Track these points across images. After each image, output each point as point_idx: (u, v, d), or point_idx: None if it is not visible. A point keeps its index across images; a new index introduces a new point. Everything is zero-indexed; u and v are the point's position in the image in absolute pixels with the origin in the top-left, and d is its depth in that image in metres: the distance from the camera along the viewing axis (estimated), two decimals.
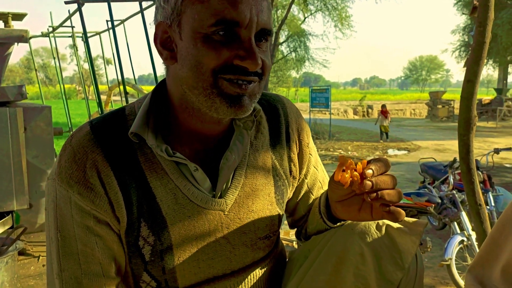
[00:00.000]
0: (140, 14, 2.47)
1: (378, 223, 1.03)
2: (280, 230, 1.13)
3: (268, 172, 1.05)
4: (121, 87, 2.70)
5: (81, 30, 3.25)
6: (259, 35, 0.89)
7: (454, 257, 3.80)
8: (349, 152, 12.04)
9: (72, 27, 3.00)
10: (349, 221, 1.05)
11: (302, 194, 1.16)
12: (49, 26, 3.20)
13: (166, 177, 0.93)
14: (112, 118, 0.96)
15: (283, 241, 1.20)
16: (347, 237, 1.01)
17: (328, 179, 1.15)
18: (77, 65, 3.65)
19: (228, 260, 1.01)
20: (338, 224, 1.07)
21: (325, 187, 1.19)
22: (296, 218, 1.20)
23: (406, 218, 1.04)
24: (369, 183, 0.83)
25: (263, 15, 0.87)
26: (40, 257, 2.07)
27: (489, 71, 26.83)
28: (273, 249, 1.11)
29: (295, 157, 1.11)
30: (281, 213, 1.09)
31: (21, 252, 2.05)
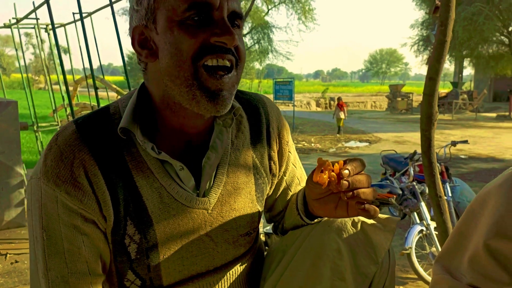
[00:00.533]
0: (106, 8, 2.46)
1: (353, 220, 1.07)
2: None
3: (249, 170, 1.07)
4: (90, 80, 2.67)
5: (44, 21, 3.19)
6: (231, 18, 0.91)
7: (414, 246, 3.94)
8: (312, 144, 12.22)
9: (37, 19, 2.92)
10: (326, 218, 1.08)
11: (280, 190, 1.19)
12: (13, 18, 3.11)
13: (151, 176, 0.94)
14: (97, 117, 0.96)
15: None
16: (324, 233, 1.04)
17: (306, 176, 1.19)
18: (40, 56, 3.55)
19: (211, 257, 1.03)
20: (315, 220, 1.10)
21: (303, 184, 1.22)
22: (274, 214, 1.22)
23: (380, 215, 1.08)
24: (345, 182, 0.87)
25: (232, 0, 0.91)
26: (8, 255, 2.02)
27: (445, 65, 27.74)
28: (253, 245, 1.14)
29: (275, 155, 1.14)
30: (261, 210, 1.12)
31: None
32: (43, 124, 3.54)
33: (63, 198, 0.88)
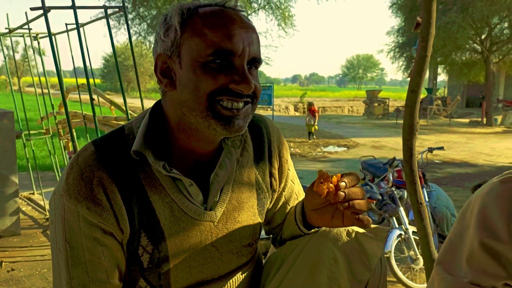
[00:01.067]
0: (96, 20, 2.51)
1: (348, 230, 1.16)
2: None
3: (252, 186, 1.16)
4: (83, 90, 2.72)
5: (35, 31, 3.21)
6: (250, 63, 1.00)
7: (393, 250, 4.05)
8: (292, 149, 12.34)
9: (29, 29, 2.94)
10: (323, 228, 1.17)
11: (280, 205, 1.28)
12: (6, 28, 3.12)
13: (163, 192, 1.02)
14: (113, 138, 1.04)
15: None
16: (321, 243, 1.13)
17: (303, 191, 1.28)
18: (41, 66, 3.57)
19: (216, 266, 1.11)
20: (312, 230, 1.19)
21: (300, 198, 1.31)
22: (273, 226, 1.31)
23: (372, 225, 1.17)
24: (342, 193, 0.96)
25: (253, 46, 1.00)
26: (3, 263, 2.04)
27: None
28: (254, 254, 1.22)
29: (275, 172, 1.23)
30: (262, 223, 1.21)
31: None
32: (33, 132, 3.54)
33: (84, 213, 0.95)
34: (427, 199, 4.92)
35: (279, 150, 1.24)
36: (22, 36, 3.27)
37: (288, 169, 1.27)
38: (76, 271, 0.97)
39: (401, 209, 4.48)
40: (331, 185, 0.98)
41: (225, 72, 0.96)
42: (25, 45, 3.24)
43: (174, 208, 1.03)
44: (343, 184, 0.97)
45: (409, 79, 2.49)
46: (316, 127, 14.79)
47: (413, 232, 4.14)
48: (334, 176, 0.99)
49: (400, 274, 4.01)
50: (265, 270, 1.23)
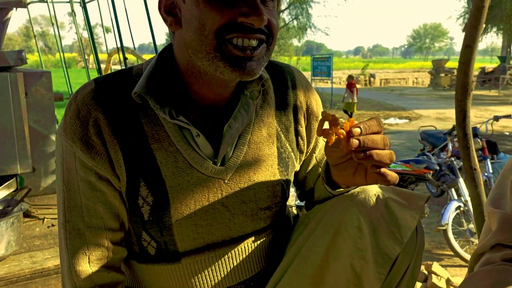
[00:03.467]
0: None
1: (378, 196, 1.01)
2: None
3: (272, 143, 1.04)
4: (121, 54, 2.73)
5: None
6: None
7: (450, 223, 3.88)
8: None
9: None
10: (350, 191, 1.03)
11: (310, 167, 1.14)
12: None
13: (167, 140, 0.93)
14: (117, 77, 0.96)
15: None
16: (345, 208, 0.99)
17: None
18: (76, 33, 3.64)
19: (227, 227, 1.01)
20: (338, 191, 1.03)
21: None
22: (305, 190, 1.18)
23: (408, 191, 1.04)
24: (355, 141, 0.80)
25: None
26: (45, 219, 2.13)
27: (493, 38, 26.47)
28: (276, 220, 1.09)
29: (302, 130, 1.09)
30: (285, 185, 1.07)
31: (26, 214, 2.09)
32: None
33: (79, 155, 0.91)
34: (491, 171, 4.63)
35: (307, 105, 1.09)
36: (69, 1, 3.33)
37: None
38: (71, 215, 0.94)
39: (461, 180, 4.26)
40: (341, 130, 0.81)
41: (233, 3, 0.83)
42: (72, 11, 3.29)
43: (178, 158, 0.94)
44: (357, 130, 0.80)
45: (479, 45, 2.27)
46: (355, 106, 12.92)
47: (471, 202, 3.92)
48: (346, 121, 0.83)
49: (457, 247, 3.84)
50: (291, 235, 1.12)
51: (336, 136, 0.81)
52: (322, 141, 1.13)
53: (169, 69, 0.95)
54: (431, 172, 4.46)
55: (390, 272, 0.98)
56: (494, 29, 21.34)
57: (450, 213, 3.95)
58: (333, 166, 0.94)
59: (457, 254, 3.83)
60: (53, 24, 3.52)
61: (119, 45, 2.83)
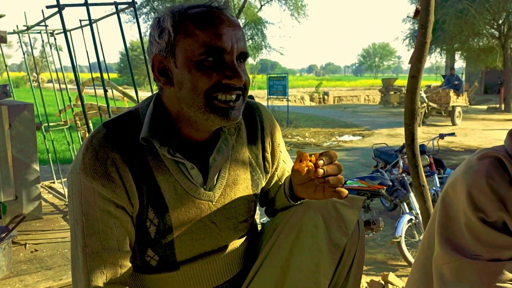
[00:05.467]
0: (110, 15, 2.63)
1: (328, 201, 1.30)
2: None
3: (246, 168, 1.29)
4: (96, 82, 2.86)
5: (52, 28, 3.36)
6: (239, 57, 1.11)
7: (403, 235, 4.14)
8: (307, 139, 12.40)
9: (46, 26, 3.09)
10: (307, 200, 1.31)
11: (273, 183, 1.41)
12: (24, 25, 3.28)
13: (168, 173, 1.15)
14: (122, 122, 1.16)
15: None
16: (304, 212, 1.28)
17: None
18: (58, 62, 3.73)
19: (215, 239, 1.25)
20: (298, 202, 1.33)
21: None
22: (267, 200, 1.46)
23: (350, 195, 1.30)
24: (321, 170, 1.07)
25: (241, 42, 1.11)
26: (27, 245, 2.20)
27: (437, 58, 27.82)
28: (250, 229, 1.36)
29: (268, 155, 1.35)
30: (256, 201, 1.34)
31: (11, 241, 2.17)
32: (52, 124, 3.72)
33: (99, 189, 1.08)
34: (438, 185, 4.97)
35: (271, 135, 1.35)
36: (39, 32, 3.43)
37: (280, 151, 1.39)
38: (91, 240, 1.10)
39: (412, 194, 4.55)
40: (310, 163, 1.09)
41: (217, 68, 1.07)
42: (43, 41, 3.40)
43: (177, 187, 1.16)
44: (321, 162, 1.08)
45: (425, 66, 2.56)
46: None
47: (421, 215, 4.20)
48: (313, 155, 1.11)
49: (410, 258, 4.10)
50: (260, 239, 1.38)
51: (307, 168, 1.09)
52: (282, 162, 1.41)
53: (163, 116, 1.16)
54: (385, 187, 4.74)
55: (342, 259, 1.28)
56: (438, 49, 22.53)
57: (403, 226, 4.21)
58: (298, 185, 1.22)
59: (410, 265, 4.07)
60: (28, 55, 3.59)
61: (90, 74, 2.96)
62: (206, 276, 1.26)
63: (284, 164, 1.43)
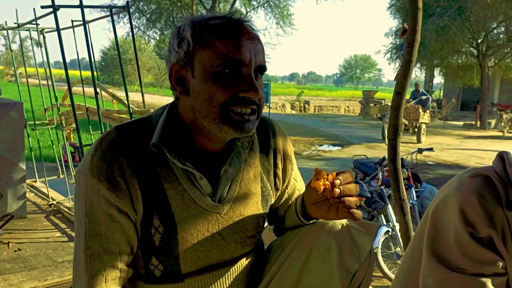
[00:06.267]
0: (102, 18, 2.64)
1: (343, 224, 1.28)
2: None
3: (257, 184, 1.28)
4: (85, 82, 2.86)
5: (41, 26, 3.34)
6: (256, 70, 1.11)
7: (380, 246, 4.20)
8: None
9: (37, 24, 3.08)
10: (320, 220, 1.29)
11: (283, 200, 1.40)
12: (15, 23, 3.26)
13: (177, 181, 1.14)
14: (135, 127, 1.16)
15: None
16: (317, 233, 1.25)
17: (304, 186, 1.40)
18: (40, 58, 3.71)
19: (221, 253, 1.23)
20: (310, 221, 1.30)
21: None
22: (276, 218, 1.43)
23: (364, 221, 1.32)
24: (337, 190, 1.07)
25: (259, 55, 1.11)
26: (10, 243, 2.18)
27: (417, 73, 28.33)
28: (257, 245, 1.35)
29: (279, 172, 1.34)
30: (265, 217, 1.33)
31: None
32: (38, 122, 3.67)
33: (104, 192, 1.09)
34: (415, 198, 5.07)
35: (283, 152, 1.34)
36: (28, 30, 3.41)
37: (292, 169, 1.38)
38: (92, 242, 1.10)
39: (389, 207, 4.61)
40: (327, 182, 1.08)
41: (234, 81, 1.07)
42: (31, 39, 3.38)
43: (185, 196, 1.15)
44: (338, 181, 1.08)
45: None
46: None
47: (400, 228, 4.28)
48: (330, 174, 1.11)
49: (386, 269, 4.16)
50: (267, 256, 1.37)
51: (323, 186, 1.08)
52: (293, 180, 1.41)
53: (177, 124, 1.17)
54: (364, 199, 4.81)
55: (350, 283, 1.25)
56: (418, 64, 22.96)
57: (380, 237, 4.28)
58: (311, 204, 1.22)
59: (385, 276, 4.13)
60: (12, 50, 3.54)
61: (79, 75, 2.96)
62: None
63: (295, 182, 1.41)
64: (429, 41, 18.52)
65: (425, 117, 14.71)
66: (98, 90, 2.40)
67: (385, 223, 4.57)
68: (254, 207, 1.27)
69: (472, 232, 1.13)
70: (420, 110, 14.50)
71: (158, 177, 1.13)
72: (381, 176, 5.05)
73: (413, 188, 5.13)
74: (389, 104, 13.41)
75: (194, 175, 1.16)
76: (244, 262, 1.31)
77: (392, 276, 4.11)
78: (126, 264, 1.16)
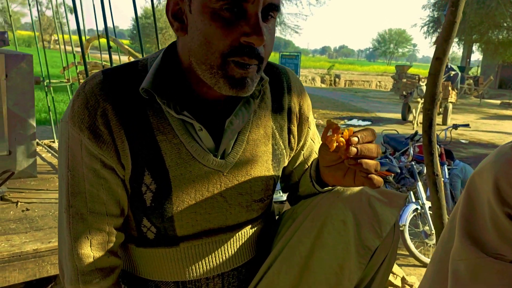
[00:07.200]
0: None
1: (362, 193, 1.10)
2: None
3: (268, 140, 1.10)
4: (102, 40, 2.72)
5: None
6: (266, 10, 0.90)
7: (407, 224, 4.05)
8: (316, 120, 12.22)
9: None
10: (336, 188, 1.13)
11: (298, 163, 1.22)
12: None
13: (172, 133, 0.98)
14: (124, 70, 0.99)
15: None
16: (332, 204, 1.08)
17: None
18: (71, 24, 3.63)
19: (224, 216, 1.07)
20: (326, 189, 1.14)
21: None
22: (290, 184, 1.27)
23: (389, 190, 1.13)
24: (354, 149, 0.89)
25: None
26: (19, 203, 2.11)
27: (454, 48, 27.33)
28: (265, 211, 1.18)
29: (294, 129, 1.16)
30: (276, 179, 1.15)
31: (1, 197, 2.08)
32: (54, 81, 3.61)
33: (86, 143, 0.94)
34: (447, 176, 4.86)
35: (299, 106, 1.16)
36: None
37: (309, 127, 1.21)
38: (75, 200, 0.97)
39: (419, 184, 4.45)
40: (341, 139, 0.90)
41: (236, 22, 0.87)
42: (57, 2, 3.27)
43: (181, 150, 0.99)
44: (355, 139, 0.90)
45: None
46: None
47: (430, 207, 4.11)
48: (346, 130, 0.92)
49: (413, 247, 4.02)
50: (277, 228, 1.21)
51: (337, 143, 0.90)
52: (310, 141, 1.22)
53: (173, 67, 0.99)
54: (393, 174, 4.64)
55: (369, 262, 1.08)
56: (456, 39, 22.11)
57: (408, 214, 4.13)
58: (325, 167, 1.03)
59: (412, 254, 4.01)
60: (30, 4, 3.43)
61: (100, 33, 2.83)
62: (210, 259, 1.09)
63: (313, 143, 1.23)
64: (469, 15, 17.73)
65: (452, 96, 13.16)
66: (114, 45, 2.27)
67: (414, 200, 4.40)
68: (264, 166, 1.10)
69: (509, 213, 0.94)
70: (450, 88, 12.90)
71: (150, 128, 0.97)
72: (412, 152, 4.84)
73: (445, 166, 4.91)
74: (417, 80, 12.82)
75: (193, 126, 1.00)
76: (249, 229, 1.14)
77: (419, 255, 3.98)
78: (114, 227, 1.02)
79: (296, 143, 1.18)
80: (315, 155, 1.24)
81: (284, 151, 1.15)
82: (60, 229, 1.02)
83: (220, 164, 1.03)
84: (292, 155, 1.20)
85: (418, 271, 3.87)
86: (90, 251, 0.99)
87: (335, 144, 0.90)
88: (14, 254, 1.58)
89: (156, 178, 0.99)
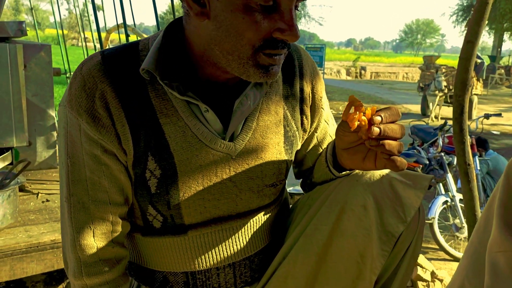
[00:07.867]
0: None
1: (383, 176, 1.03)
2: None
3: (279, 121, 1.04)
4: (122, 35, 2.71)
5: None
6: (296, 3, 0.86)
7: (437, 217, 3.94)
8: (340, 112, 12.10)
9: None
10: (355, 172, 1.06)
11: (311, 146, 1.15)
12: None
13: (176, 115, 0.92)
14: (124, 50, 0.94)
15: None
16: (351, 188, 1.02)
17: None
18: (75, 11, 3.65)
19: (234, 203, 1.01)
20: (343, 173, 1.07)
21: None
22: (303, 169, 1.20)
23: (412, 172, 1.05)
24: (376, 129, 0.83)
25: None
26: (39, 194, 2.11)
27: (484, 38, 26.61)
28: (278, 196, 1.11)
29: (307, 110, 1.09)
30: (288, 163, 1.09)
31: (21, 189, 2.07)
32: None
33: (85, 127, 0.89)
34: (478, 168, 4.69)
35: (312, 86, 1.09)
36: None
37: (322, 107, 1.13)
38: (76, 188, 0.93)
39: (449, 175, 4.31)
40: (363, 117, 0.83)
41: (269, 16, 0.83)
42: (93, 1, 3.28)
43: (187, 133, 0.93)
44: (378, 118, 0.83)
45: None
46: None
47: (460, 200, 3.98)
48: (369, 108, 0.85)
49: (443, 241, 3.90)
50: (291, 215, 1.14)
51: (358, 122, 0.83)
52: (323, 122, 1.15)
53: (177, 47, 0.93)
54: (421, 166, 4.51)
55: (393, 250, 1.00)
56: (486, 28, 21.48)
57: (437, 207, 4.01)
58: (343, 150, 0.95)
59: (442, 248, 3.90)
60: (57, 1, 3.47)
61: (119, 22, 2.80)
62: (220, 248, 1.03)
63: (327, 126, 1.16)
64: (499, 2, 17.19)
65: (478, 88, 12.11)
66: (132, 34, 2.23)
67: (443, 192, 4.27)
68: (275, 149, 1.03)
69: None
70: (474, 79, 11.37)
71: (153, 110, 0.91)
72: (441, 143, 4.70)
73: (476, 157, 4.74)
74: (435, 71, 12.31)
75: (199, 108, 0.93)
76: (262, 216, 1.07)
77: (450, 249, 3.86)
78: (119, 217, 0.97)
79: (309, 124, 1.12)
80: (329, 138, 1.17)
81: (296, 132, 1.08)
82: (62, 220, 0.98)
83: (228, 147, 0.97)
84: (305, 137, 1.13)
85: (448, 265, 3.75)
86: (93, 242, 0.95)
87: (356, 123, 0.83)
88: (32, 245, 1.57)
89: (161, 164, 0.93)
